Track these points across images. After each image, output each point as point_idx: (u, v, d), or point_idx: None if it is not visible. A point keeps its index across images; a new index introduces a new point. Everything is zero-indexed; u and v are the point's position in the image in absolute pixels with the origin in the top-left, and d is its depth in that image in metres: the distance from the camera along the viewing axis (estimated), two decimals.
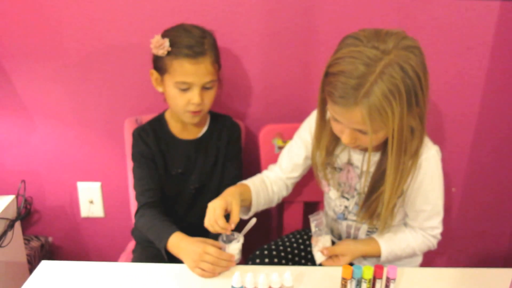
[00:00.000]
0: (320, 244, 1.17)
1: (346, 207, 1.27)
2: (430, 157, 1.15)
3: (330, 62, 1.02)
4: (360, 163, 1.20)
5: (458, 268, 1.16)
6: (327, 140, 1.19)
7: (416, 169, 1.12)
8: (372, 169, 1.16)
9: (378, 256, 1.20)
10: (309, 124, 1.29)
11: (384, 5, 1.43)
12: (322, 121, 1.17)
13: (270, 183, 1.30)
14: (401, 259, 1.24)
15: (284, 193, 1.34)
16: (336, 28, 1.46)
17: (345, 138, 1.07)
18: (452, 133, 1.60)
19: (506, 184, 1.69)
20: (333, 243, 1.26)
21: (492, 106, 1.57)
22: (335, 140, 1.19)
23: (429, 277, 1.11)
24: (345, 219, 1.28)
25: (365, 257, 1.25)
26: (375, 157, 1.17)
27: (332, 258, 1.16)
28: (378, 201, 1.15)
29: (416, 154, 1.10)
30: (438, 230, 1.23)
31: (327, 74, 1.02)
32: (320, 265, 1.19)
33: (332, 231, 1.35)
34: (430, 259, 1.78)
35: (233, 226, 1.10)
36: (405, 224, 1.26)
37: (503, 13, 1.44)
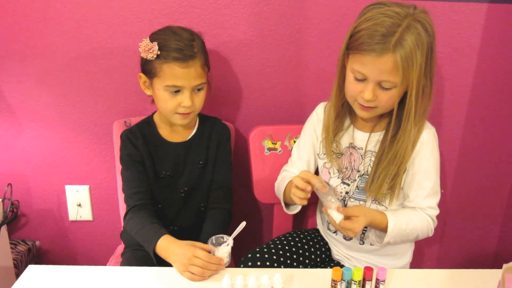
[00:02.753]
0: (334, 205, 1.14)
1: (347, 192, 1.28)
2: (432, 134, 1.22)
3: (356, 24, 1.11)
4: (364, 143, 1.24)
5: (446, 269, 1.17)
6: (336, 122, 1.26)
7: (419, 140, 1.19)
8: (376, 149, 1.22)
9: (384, 225, 1.19)
10: (311, 118, 1.35)
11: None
12: (340, 91, 1.22)
13: None
14: (405, 236, 1.23)
15: None
16: (325, 29, 1.47)
17: (367, 93, 1.12)
18: (440, 135, 1.60)
19: (494, 185, 1.71)
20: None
21: (479, 108, 1.59)
22: (340, 124, 1.27)
23: (418, 278, 1.12)
24: (345, 205, 1.29)
25: (371, 225, 1.23)
26: (378, 136, 1.22)
27: (347, 220, 1.15)
28: (385, 177, 1.19)
29: (420, 126, 1.18)
30: (435, 211, 1.25)
31: (353, 34, 1.11)
32: (321, 262, 1.16)
33: (330, 223, 1.36)
34: (419, 260, 1.80)
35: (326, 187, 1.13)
36: (404, 207, 1.27)
37: (490, 15, 1.46)
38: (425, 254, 1.80)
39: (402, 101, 1.14)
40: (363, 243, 1.31)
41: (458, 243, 1.80)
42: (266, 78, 1.53)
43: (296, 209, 1.31)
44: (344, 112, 1.27)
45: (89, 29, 1.46)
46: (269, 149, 1.49)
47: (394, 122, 1.17)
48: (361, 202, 1.27)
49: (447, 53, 1.51)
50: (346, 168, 1.28)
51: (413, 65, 1.07)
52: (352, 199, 1.28)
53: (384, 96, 1.12)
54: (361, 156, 1.26)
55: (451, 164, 1.66)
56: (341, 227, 1.14)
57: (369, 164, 1.24)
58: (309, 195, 1.14)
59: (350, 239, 1.32)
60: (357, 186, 1.27)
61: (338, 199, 1.29)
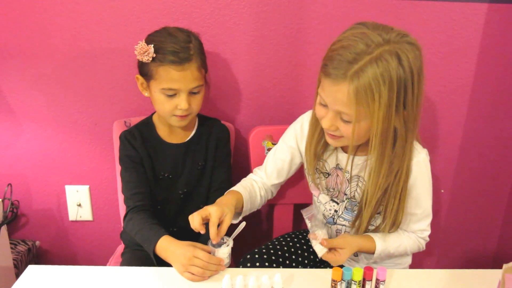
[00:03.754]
0: (319, 238, 1.15)
1: (335, 211, 1.27)
2: (421, 161, 1.15)
3: (332, 43, 1.03)
4: (350, 167, 1.19)
5: (446, 269, 1.17)
6: (318, 139, 1.19)
7: (408, 174, 1.12)
8: (366, 175, 1.15)
9: (372, 252, 1.19)
10: (295, 128, 1.29)
11: (372, 8, 1.44)
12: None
13: (259, 189, 1.31)
14: (393, 257, 1.25)
15: (269, 197, 1.36)
16: (325, 30, 1.47)
17: (325, 121, 1.06)
18: (440, 135, 1.62)
19: (494, 186, 1.71)
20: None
21: (480, 108, 1.59)
22: (325, 143, 1.19)
23: (418, 279, 1.12)
24: (335, 223, 1.28)
25: (359, 252, 1.24)
26: (360, 160, 1.17)
27: (332, 251, 1.14)
28: (375, 212, 1.15)
29: (404, 157, 1.09)
30: (427, 232, 1.24)
31: (327, 53, 1.03)
32: (320, 262, 1.15)
33: None
34: (419, 260, 1.80)
35: (218, 239, 1.09)
36: None
37: (490, 15, 1.46)
38: (426, 255, 1.80)
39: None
40: (357, 255, 1.30)
41: (458, 243, 1.80)
42: (266, 78, 1.53)
43: (236, 220, 1.22)
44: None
45: (89, 29, 1.45)
46: (269, 149, 1.48)
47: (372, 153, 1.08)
48: (350, 222, 1.24)
49: (447, 53, 1.51)
50: (333, 189, 1.25)
51: (373, 100, 0.96)
52: (340, 218, 1.27)
53: (345, 128, 1.04)
54: (347, 180, 1.21)
55: (451, 164, 1.66)
56: (325, 259, 1.13)
57: (356, 190, 1.20)
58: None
59: None
60: (345, 207, 1.25)
61: (324, 227, 1.24)
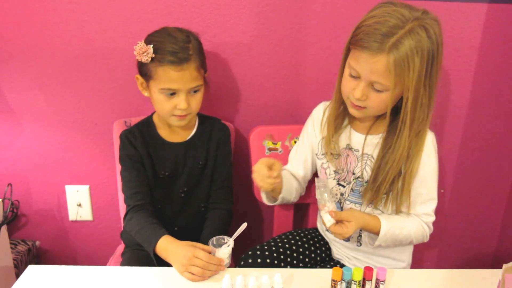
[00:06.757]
0: (327, 208, 1.15)
1: (342, 194, 1.28)
2: (429, 140, 1.19)
3: (362, 20, 1.09)
4: (361, 146, 1.23)
5: (446, 269, 1.17)
6: (337, 115, 1.25)
7: (422, 150, 1.17)
8: (375, 154, 1.20)
9: (377, 231, 1.20)
10: (312, 118, 1.35)
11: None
12: (340, 88, 1.20)
13: (294, 179, 1.35)
14: (397, 241, 1.23)
15: (302, 192, 1.39)
16: (325, 30, 1.47)
17: (357, 92, 1.11)
18: (440, 135, 1.61)
19: (494, 186, 1.71)
20: None
21: (479, 108, 1.59)
22: (338, 124, 1.26)
23: (418, 278, 1.12)
24: (341, 208, 1.29)
25: (364, 229, 1.24)
26: (375, 139, 1.21)
27: (339, 224, 1.15)
28: (384, 183, 1.17)
29: (420, 132, 1.15)
30: (431, 218, 1.24)
31: (357, 29, 1.09)
32: (320, 260, 1.15)
33: None
34: (419, 260, 1.80)
35: (275, 174, 1.10)
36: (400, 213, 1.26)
37: (490, 15, 1.46)
38: (425, 254, 1.80)
39: (401, 106, 1.12)
40: (360, 245, 1.30)
41: (458, 243, 1.80)
42: (266, 78, 1.53)
43: (272, 200, 1.31)
44: (343, 111, 1.26)
45: (89, 29, 1.46)
46: (270, 149, 1.49)
47: (390, 127, 1.16)
48: (357, 205, 1.26)
49: (447, 53, 1.49)
50: (343, 169, 1.28)
51: (408, 70, 1.04)
52: (347, 202, 1.28)
53: (375, 98, 1.11)
54: (357, 158, 1.25)
55: (451, 164, 1.66)
56: (332, 231, 1.14)
57: (365, 168, 1.23)
58: (272, 180, 1.12)
59: (348, 240, 1.32)
60: (352, 189, 1.27)
61: (334, 200, 1.28)
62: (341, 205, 1.29)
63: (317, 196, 1.19)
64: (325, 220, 1.14)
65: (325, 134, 1.28)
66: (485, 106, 1.59)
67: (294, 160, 1.37)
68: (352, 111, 1.18)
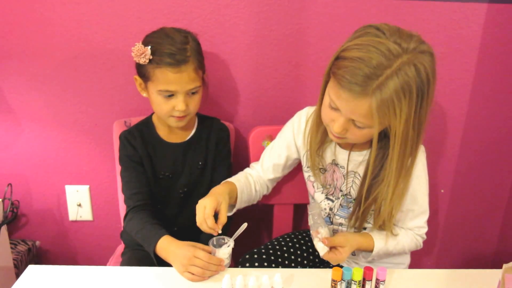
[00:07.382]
0: (320, 236, 1.15)
1: (331, 209, 1.27)
2: (419, 157, 1.15)
3: (346, 47, 0.99)
4: (346, 162, 1.20)
5: (446, 269, 1.17)
6: (320, 137, 1.19)
7: (411, 172, 1.12)
8: (360, 171, 1.17)
9: (370, 250, 1.19)
10: (292, 124, 1.30)
11: (373, 8, 1.44)
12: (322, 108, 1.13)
13: (254, 182, 1.32)
14: (391, 256, 1.24)
15: (265, 192, 1.36)
16: (325, 30, 1.47)
17: (337, 126, 1.04)
18: (440, 135, 1.61)
19: (493, 186, 1.71)
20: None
21: (479, 108, 1.59)
22: (323, 137, 1.20)
23: (417, 278, 1.12)
24: (331, 223, 1.28)
25: (359, 250, 1.24)
26: (360, 156, 1.18)
27: (332, 251, 1.14)
28: (370, 208, 1.16)
29: (411, 155, 1.09)
30: (424, 229, 1.23)
31: (339, 58, 1.00)
32: (320, 262, 1.15)
33: None
34: (419, 260, 1.80)
35: (220, 227, 1.10)
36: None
37: (490, 15, 1.46)
38: (425, 254, 1.80)
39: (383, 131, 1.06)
40: (355, 254, 1.29)
41: (458, 243, 1.80)
42: (266, 78, 1.53)
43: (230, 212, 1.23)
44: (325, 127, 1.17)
45: (89, 29, 1.45)
46: None
47: (378, 146, 1.07)
48: (346, 220, 1.25)
49: (447, 53, 1.50)
50: (330, 185, 1.25)
51: (394, 114, 0.96)
52: (337, 216, 1.27)
53: (356, 131, 1.05)
54: (343, 176, 1.22)
55: (451, 164, 1.66)
56: (326, 259, 1.13)
57: (351, 186, 1.21)
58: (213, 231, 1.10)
59: None
60: (340, 204, 1.25)
61: (326, 224, 1.23)
62: (331, 219, 1.28)
63: (310, 222, 1.19)
64: (318, 248, 1.13)
65: (309, 148, 1.23)
66: (485, 106, 1.59)
67: (266, 162, 1.32)
68: (332, 137, 1.12)
